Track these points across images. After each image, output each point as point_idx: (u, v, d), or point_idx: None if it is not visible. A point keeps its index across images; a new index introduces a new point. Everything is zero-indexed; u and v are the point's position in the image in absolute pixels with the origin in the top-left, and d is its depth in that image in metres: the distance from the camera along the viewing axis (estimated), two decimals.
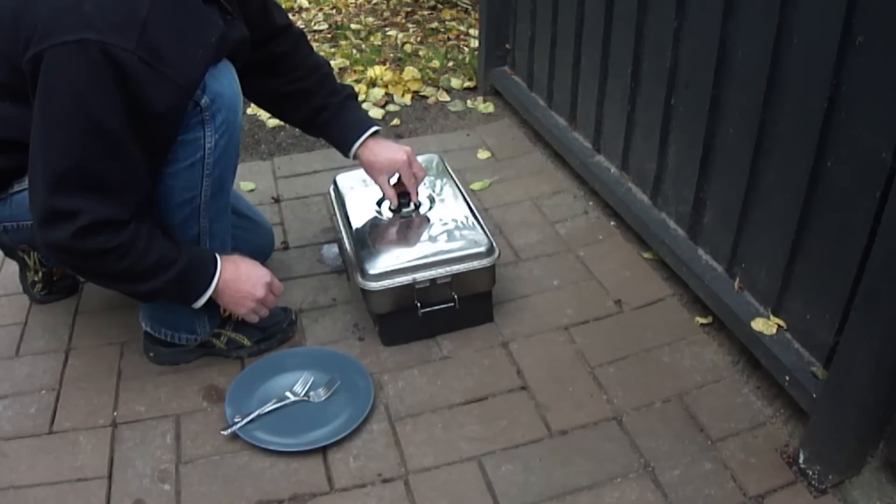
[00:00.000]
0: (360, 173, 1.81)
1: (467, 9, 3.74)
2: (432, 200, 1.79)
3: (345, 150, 1.71)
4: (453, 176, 1.92)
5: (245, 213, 1.84)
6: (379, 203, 1.79)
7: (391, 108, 2.78)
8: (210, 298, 1.46)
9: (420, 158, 1.80)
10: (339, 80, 1.76)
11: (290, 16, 3.79)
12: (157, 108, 1.25)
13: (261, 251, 1.90)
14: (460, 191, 1.85)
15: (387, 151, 1.68)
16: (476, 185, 2.29)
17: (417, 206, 1.75)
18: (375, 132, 1.70)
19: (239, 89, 1.43)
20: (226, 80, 1.38)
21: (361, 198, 1.83)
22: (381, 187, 1.73)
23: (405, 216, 1.74)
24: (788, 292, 1.47)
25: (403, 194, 1.74)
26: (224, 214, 1.52)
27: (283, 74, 1.67)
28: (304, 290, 1.89)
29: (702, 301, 1.71)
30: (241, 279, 1.49)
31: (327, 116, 1.68)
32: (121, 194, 1.29)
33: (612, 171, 2.09)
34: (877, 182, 1.18)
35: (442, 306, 1.67)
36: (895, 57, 1.12)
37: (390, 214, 1.76)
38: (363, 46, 3.31)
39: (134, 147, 1.26)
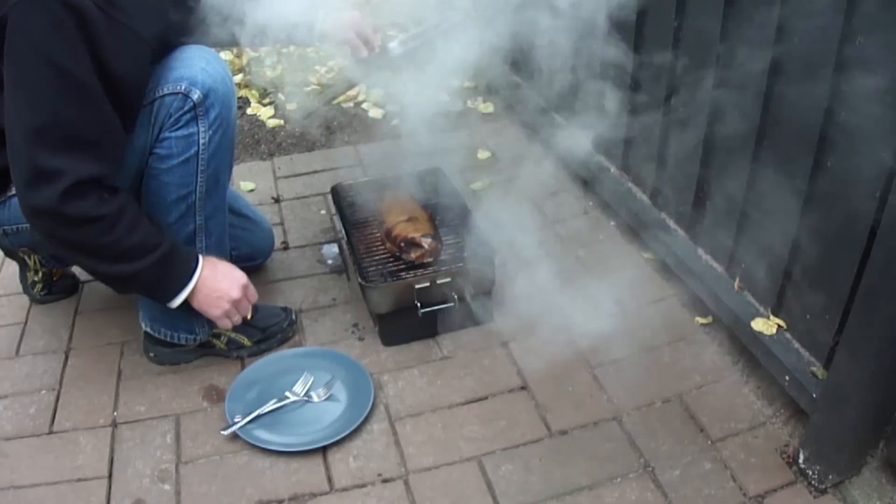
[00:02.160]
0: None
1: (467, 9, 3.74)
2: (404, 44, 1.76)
3: (311, 31, 1.69)
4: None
5: (244, 213, 1.84)
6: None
7: (391, 107, 2.77)
8: (186, 302, 1.44)
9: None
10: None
11: None
12: (119, 57, 1.25)
13: (260, 251, 1.90)
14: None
15: (343, 16, 1.70)
16: (476, 185, 2.29)
17: (387, 45, 1.75)
18: None
19: (232, 86, 1.43)
20: (218, 74, 1.39)
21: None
22: (349, 41, 1.71)
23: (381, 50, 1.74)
24: (788, 292, 1.47)
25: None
26: (220, 211, 1.52)
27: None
28: (304, 290, 1.89)
29: (702, 301, 1.71)
30: (217, 277, 1.46)
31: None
32: (100, 150, 1.28)
33: (612, 170, 2.09)
34: (877, 182, 1.18)
35: (442, 306, 1.67)
36: (895, 57, 1.12)
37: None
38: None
39: (104, 99, 1.25)
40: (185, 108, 1.35)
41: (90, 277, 1.89)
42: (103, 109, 1.27)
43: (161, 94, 1.36)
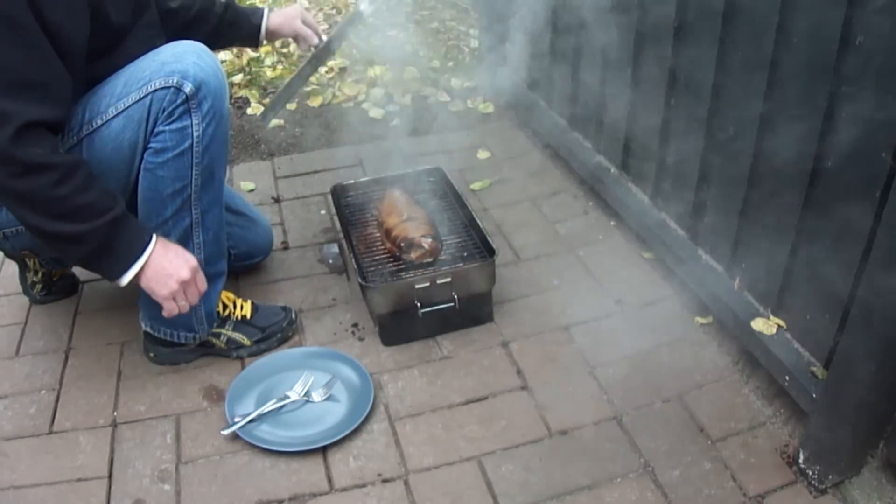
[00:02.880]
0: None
1: (467, 9, 3.74)
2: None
3: (256, 35, 1.83)
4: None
5: (242, 211, 1.84)
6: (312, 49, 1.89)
7: (391, 108, 2.77)
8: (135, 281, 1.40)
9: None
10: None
11: None
12: (57, 5, 1.24)
13: (258, 249, 1.90)
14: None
15: (284, 11, 1.84)
16: (476, 185, 2.29)
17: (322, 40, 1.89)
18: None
19: (224, 79, 1.44)
20: (210, 68, 1.40)
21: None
22: (299, 31, 1.85)
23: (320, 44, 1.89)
24: (788, 292, 1.47)
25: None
26: (216, 206, 1.52)
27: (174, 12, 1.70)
28: (304, 290, 1.89)
29: (702, 301, 1.71)
30: (169, 256, 1.41)
31: (230, 20, 1.78)
32: (48, 92, 1.27)
33: (612, 171, 2.09)
34: (877, 182, 1.18)
35: (442, 306, 1.67)
36: (895, 57, 1.12)
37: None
38: (363, 46, 3.31)
39: (45, 41, 1.24)
40: (178, 102, 1.36)
41: (90, 277, 1.89)
42: (46, 51, 1.26)
43: (153, 88, 1.36)
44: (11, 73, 1.23)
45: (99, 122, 1.38)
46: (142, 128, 1.38)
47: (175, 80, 1.36)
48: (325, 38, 1.89)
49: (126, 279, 1.38)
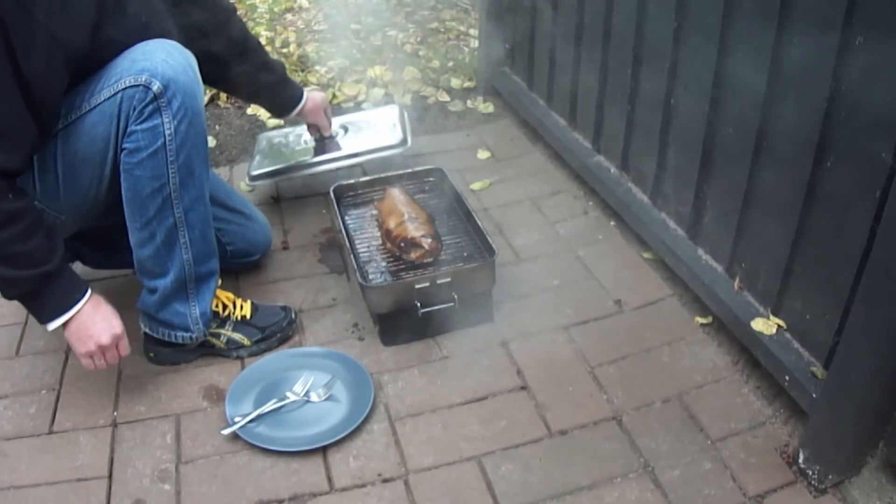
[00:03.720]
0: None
1: (467, 8, 3.74)
2: (345, 129, 2.20)
3: (289, 110, 2.01)
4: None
5: (238, 208, 1.85)
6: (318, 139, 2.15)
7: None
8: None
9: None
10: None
11: (290, 16, 3.80)
12: (31, 56, 1.25)
13: (256, 246, 1.90)
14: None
15: (315, 97, 2.04)
16: (476, 185, 2.29)
17: (334, 135, 2.17)
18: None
19: (196, 75, 1.44)
20: (179, 65, 1.40)
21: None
22: (320, 122, 2.09)
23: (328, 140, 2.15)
24: (788, 292, 1.47)
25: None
26: (199, 203, 1.52)
27: (238, 57, 1.81)
28: (304, 290, 1.89)
29: (702, 301, 1.72)
30: (95, 319, 1.44)
31: (270, 85, 1.93)
32: (8, 142, 1.28)
33: (612, 171, 2.09)
34: (877, 182, 1.18)
35: (442, 306, 1.67)
36: (895, 57, 1.12)
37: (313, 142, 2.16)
38: (363, 46, 3.31)
39: (15, 92, 1.26)
40: (147, 100, 1.37)
41: (91, 277, 1.89)
42: (15, 103, 1.27)
43: (123, 86, 1.37)
44: None
45: (73, 116, 1.40)
46: (113, 123, 1.39)
47: (143, 79, 1.36)
48: (332, 133, 2.13)
49: (51, 327, 1.43)
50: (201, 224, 1.54)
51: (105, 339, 1.45)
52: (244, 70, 1.83)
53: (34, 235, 1.34)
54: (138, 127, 1.38)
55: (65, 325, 1.43)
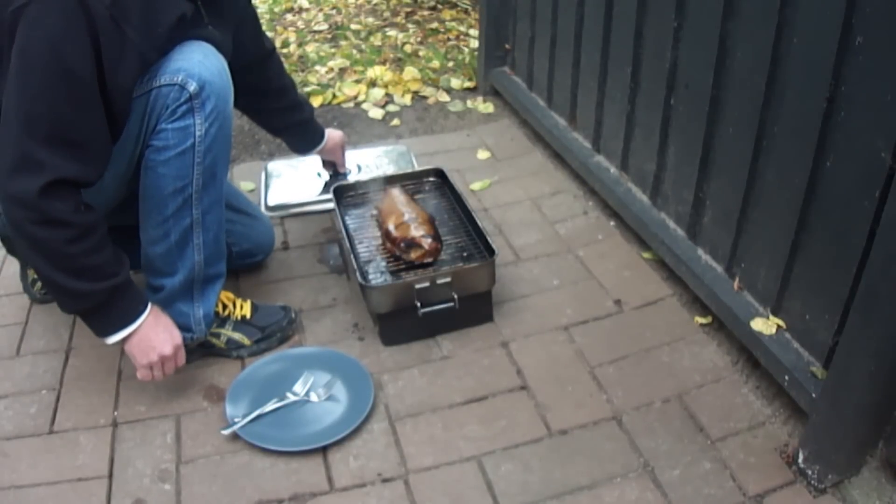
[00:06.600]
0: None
1: (467, 9, 3.74)
2: (359, 168, 2.32)
3: (309, 148, 2.08)
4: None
5: (243, 209, 1.85)
6: (333, 174, 2.25)
7: (391, 108, 2.78)
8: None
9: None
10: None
11: (290, 16, 3.80)
12: (119, 69, 1.27)
13: (260, 247, 1.91)
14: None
15: (334, 136, 2.12)
16: (476, 185, 2.29)
17: (347, 172, 2.27)
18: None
19: (229, 80, 1.44)
20: (215, 68, 1.40)
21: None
22: (337, 160, 2.19)
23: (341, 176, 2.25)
24: (788, 292, 1.47)
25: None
26: (217, 206, 1.52)
27: (272, 94, 1.88)
28: (304, 290, 1.89)
29: (701, 301, 1.72)
30: (158, 329, 1.45)
31: (297, 125, 2.00)
32: (85, 153, 1.29)
33: (612, 171, 2.09)
34: (877, 182, 1.18)
35: (442, 306, 1.67)
36: (895, 57, 1.12)
37: (327, 177, 2.26)
38: (363, 47, 3.31)
39: (100, 104, 1.28)
40: (182, 100, 1.36)
41: None
42: (96, 114, 1.28)
43: (158, 84, 1.37)
44: (57, 126, 1.25)
45: None
46: (144, 119, 1.39)
47: (180, 78, 1.36)
48: (345, 171, 2.24)
49: (112, 340, 1.43)
50: (216, 227, 1.54)
51: (168, 349, 1.46)
52: (276, 108, 1.90)
53: (105, 247, 1.35)
54: (169, 126, 1.38)
55: (125, 338, 1.43)
